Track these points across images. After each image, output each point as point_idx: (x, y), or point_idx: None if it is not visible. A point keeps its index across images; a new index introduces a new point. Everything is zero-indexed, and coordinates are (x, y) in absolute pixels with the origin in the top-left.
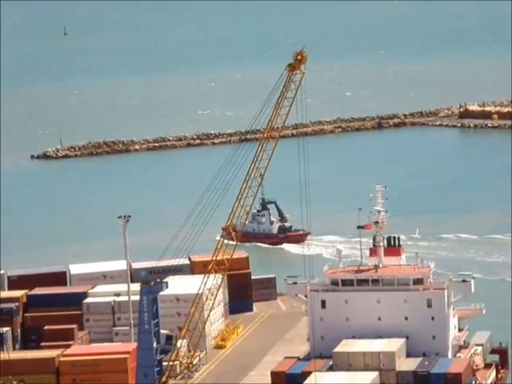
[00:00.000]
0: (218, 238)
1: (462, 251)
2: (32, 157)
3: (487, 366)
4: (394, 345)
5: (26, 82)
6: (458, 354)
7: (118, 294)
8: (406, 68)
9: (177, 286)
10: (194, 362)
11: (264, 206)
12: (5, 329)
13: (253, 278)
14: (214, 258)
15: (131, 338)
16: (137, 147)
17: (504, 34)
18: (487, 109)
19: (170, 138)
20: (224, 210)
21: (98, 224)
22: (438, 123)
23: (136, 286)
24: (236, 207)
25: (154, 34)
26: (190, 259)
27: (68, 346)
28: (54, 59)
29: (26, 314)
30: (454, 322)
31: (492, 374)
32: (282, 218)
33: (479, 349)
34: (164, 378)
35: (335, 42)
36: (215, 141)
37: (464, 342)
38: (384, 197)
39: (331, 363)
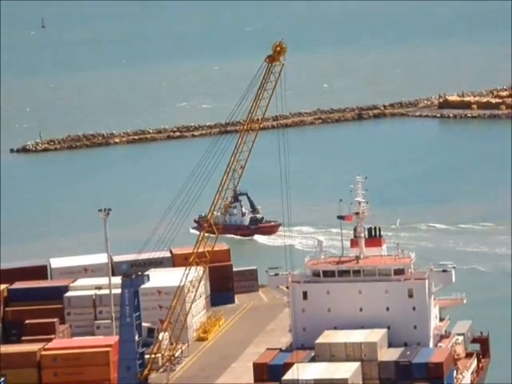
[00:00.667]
0: (191, 230)
1: (442, 241)
2: (11, 150)
3: (468, 355)
4: (376, 335)
5: (2, 75)
6: (440, 344)
7: (99, 288)
8: (385, 59)
9: (158, 278)
10: (176, 355)
11: (236, 197)
12: None
13: (234, 269)
14: (195, 251)
15: (113, 332)
16: (117, 140)
17: (482, 23)
18: (466, 99)
19: (150, 131)
20: (205, 202)
21: (78, 217)
22: (417, 114)
23: (117, 279)
24: (217, 199)
25: (132, 26)
26: (171, 252)
27: (49, 340)
28: (31, 52)
29: (6, 308)
30: (435, 311)
31: (473, 363)
32: (254, 210)
33: (460, 338)
34: (146, 371)
35: (313, 33)
36: (195, 133)
37: (445, 331)
38: (364, 188)
39: (313, 354)
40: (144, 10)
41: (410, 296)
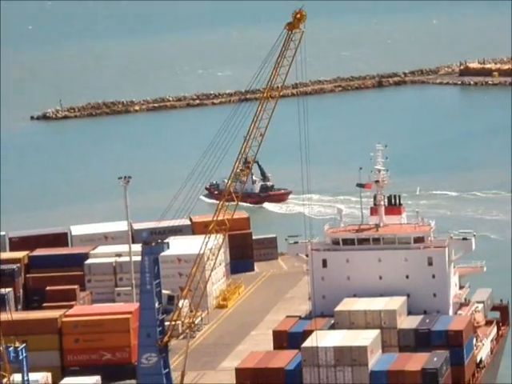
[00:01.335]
0: (201, 197)
1: (462, 209)
2: (32, 118)
3: (488, 323)
4: (395, 303)
5: (24, 44)
6: (459, 312)
7: (119, 255)
8: (405, 26)
9: (178, 246)
10: (196, 322)
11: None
12: (7, 290)
13: (254, 238)
14: (214, 219)
15: (133, 299)
16: (136, 108)
17: None
18: (487, 66)
19: (170, 99)
20: (225, 170)
21: (98, 185)
22: (438, 81)
23: (137, 247)
24: (236, 167)
25: None
26: (190, 220)
27: (70, 307)
28: (50, 22)
29: (27, 275)
30: (454, 279)
31: (493, 330)
32: (264, 178)
33: (480, 306)
34: (166, 338)
35: (333, 1)
36: (215, 101)
37: (465, 299)
38: (384, 156)
39: (333, 322)
40: None
41: (430, 264)
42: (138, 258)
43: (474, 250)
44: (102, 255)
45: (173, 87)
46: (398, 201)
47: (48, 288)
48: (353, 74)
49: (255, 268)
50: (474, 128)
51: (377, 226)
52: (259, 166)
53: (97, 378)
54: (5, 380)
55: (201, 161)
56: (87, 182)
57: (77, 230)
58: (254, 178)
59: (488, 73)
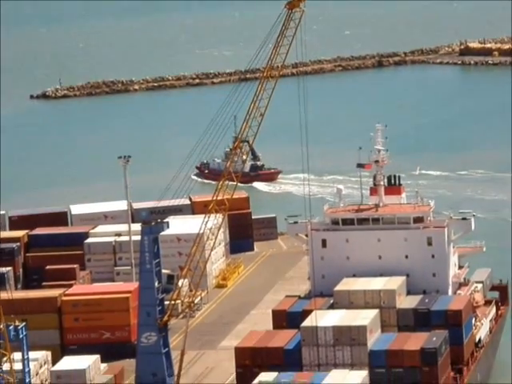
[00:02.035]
0: (192, 176)
1: (461, 189)
2: (31, 97)
3: (487, 302)
4: (395, 283)
5: (24, 23)
6: (458, 292)
7: (119, 234)
8: (405, 5)
9: (178, 225)
10: (196, 301)
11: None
12: (6, 268)
13: (253, 217)
14: (214, 198)
15: (133, 278)
16: (136, 87)
17: None
18: (488, 46)
19: (169, 78)
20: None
21: (98, 164)
22: (438, 61)
23: (137, 226)
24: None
25: None
26: (190, 199)
27: (70, 286)
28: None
29: (27, 254)
30: (454, 259)
31: (492, 310)
32: (255, 157)
33: (479, 286)
34: (166, 317)
35: None
36: (214, 80)
37: (464, 279)
38: (384, 135)
39: (332, 301)
40: None
41: (429, 244)
42: (138, 238)
43: (474, 230)
44: (101, 234)
45: (172, 66)
46: (397, 181)
47: (48, 267)
48: (353, 53)
49: (255, 248)
50: (474, 108)
51: (376, 205)
52: (250, 146)
53: (96, 357)
54: (5, 358)
55: (200, 140)
56: (87, 161)
57: (76, 209)
58: (244, 157)
59: (488, 52)
